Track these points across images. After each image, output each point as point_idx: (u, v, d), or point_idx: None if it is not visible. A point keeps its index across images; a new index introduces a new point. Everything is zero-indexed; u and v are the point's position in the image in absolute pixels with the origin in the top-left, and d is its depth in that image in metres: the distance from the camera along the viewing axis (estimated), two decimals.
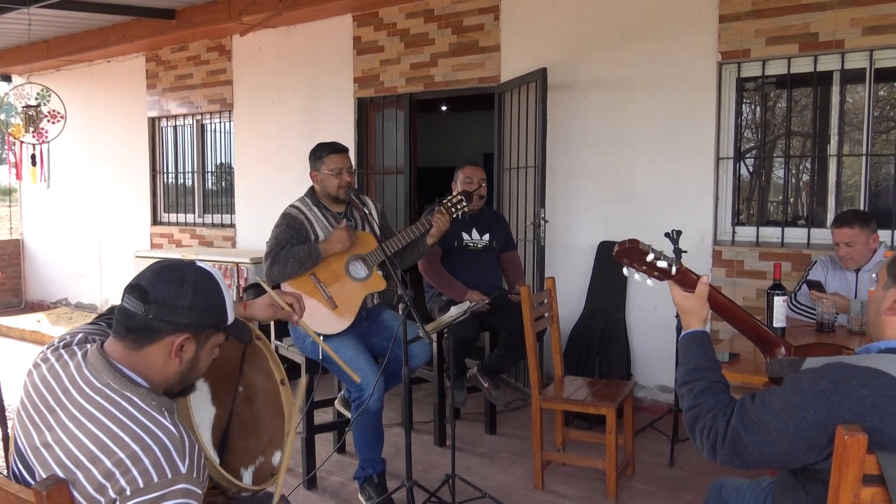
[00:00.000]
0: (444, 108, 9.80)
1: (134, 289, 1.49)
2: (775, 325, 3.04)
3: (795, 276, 4.10)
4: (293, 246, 3.35)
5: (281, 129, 6.68)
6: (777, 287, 3.07)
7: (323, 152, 3.47)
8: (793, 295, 3.55)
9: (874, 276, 3.10)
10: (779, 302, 3.05)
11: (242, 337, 1.69)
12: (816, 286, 3.36)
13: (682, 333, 1.87)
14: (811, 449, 1.52)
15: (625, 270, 1.88)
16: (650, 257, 1.82)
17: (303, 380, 1.90)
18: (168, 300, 1.48)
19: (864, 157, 4.29)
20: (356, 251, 3.44)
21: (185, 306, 1.49)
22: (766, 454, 1.55)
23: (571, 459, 3.79)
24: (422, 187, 6.44)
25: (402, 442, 3.20)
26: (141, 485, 1.34)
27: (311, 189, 3.55)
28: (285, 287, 3.33)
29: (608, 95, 4.92)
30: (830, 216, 4.41)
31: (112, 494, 1.34)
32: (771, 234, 4.58)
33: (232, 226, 7.20)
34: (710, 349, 1.81)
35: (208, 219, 7.53)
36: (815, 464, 1.54)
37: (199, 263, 1.59)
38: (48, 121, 6.76)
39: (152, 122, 7.80)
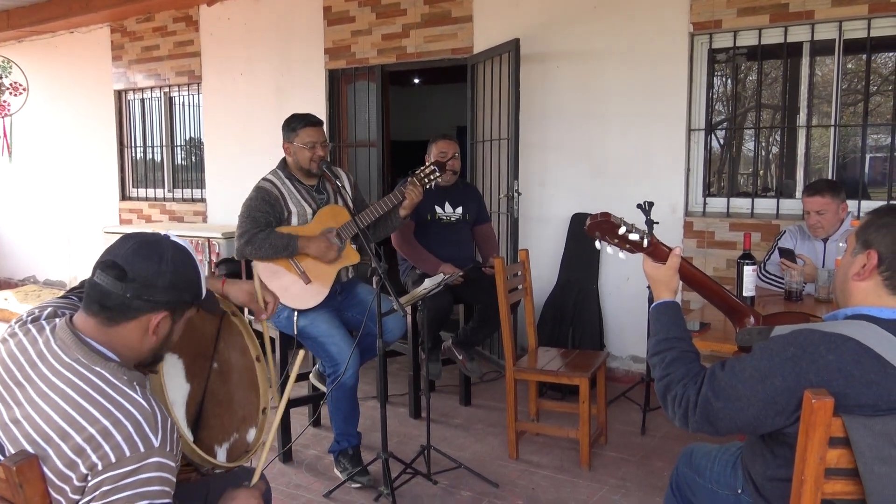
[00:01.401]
0: (416, 80, 9.72)
1: (110, 267, 1.45)
2: (745, 294, 3.08)
3: (765, 247, 4.15)
4: (272, 231, 3.31)
5: (251, 102, 6.58)
6: (747, 257, 3.11)
7: (297, 124, 3.41)
8: (762, 265, 3.60)
9: (842, 245, 3.16)
10: (748, 272, 3.09)
11: (214, 308, 1.69)
12: (788, 254, 3.41)
13: (653, 304, 1.89)
14: (780, 414, 1.55)
15: (597, 244, 1.89)
16: (622, 230, 1.84)
17: (300, 355, 1.87)
18: (147, 279, 1.45)
19: (832, 129, 4.34)
20: (329, 224, 3.41)
21: (164, 285, 1.47)
22: (737, 420, 1.58)
23: (545, 429, 3.83)
24: (394, 161, 6.40)
25: (378, 415, 3.21)
26: (113, 460, 1.33)
27: (284, 161, 3.50)
28: (259, 264, 3.30)
29: (581, 67, 4.91)
30: (799, 187, 4.46)
31: (83, 470, 1.33)
32: (741, 205, 4.63)
33: (202, 200, 7.11)
34: (680, 319, 1.83)
35: (178, 193, 7.42)
36: (783, 428, 1.57)
37: (172, 237, 1.57)
38: (10, 93, 6.61)
39: (119, 95, 7.63)
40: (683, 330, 1.81)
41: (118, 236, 1.54)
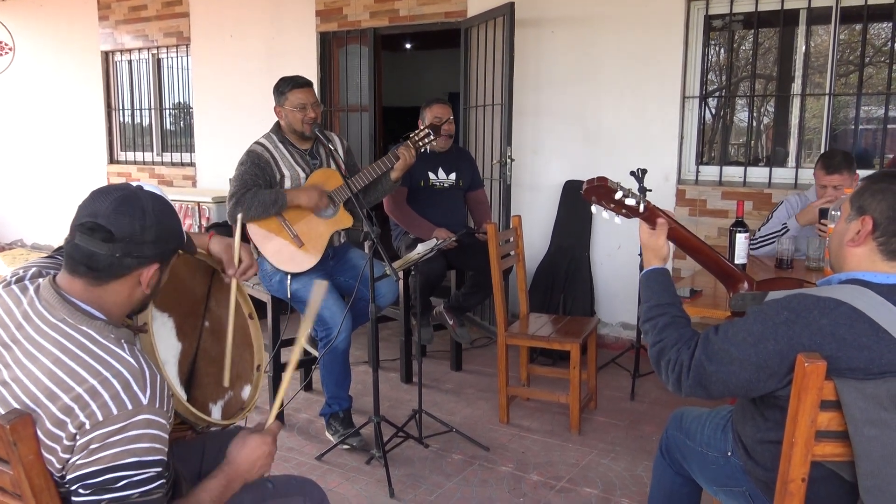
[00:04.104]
0: (408, 45, 9.60)
1: (94, 230, 1.42)
2: (737, 261, 3.09)
3: (757, 215, 4.17)
4: (260, 189, 3.29)
5: (241, 65, 6.48)
6: (739, 224, 3.12)
7: (286, 87, 3.38)
8: (756, 231, 3.60)
9: (835, 213, 3.16)
10: (740, 239, 3.10)
11: (192, 250, 1.75)
12: (825, 214, 3.38)
13: (644, 271, 1.90)
14: (772, 377, 1.56)
15: (593, 208, 1.89)
16: (618, 195, 1.84)
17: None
18: (134, 236, 1.43)
19: (826, 97, 4.33)
20: (323, 188, 3.39)
21: (151, 239, 1.45)
22: (730, 384, 1.59)
23: (536, 394, 3.86)
24: (386, 127, 6.34)
25: (369, 380, 3.23)
26: (101, 418, 1.32)
27: (277, 125, 3.47)
28: (252, 228, 3.28)
29: (576, 32, 4.85)
30: (791, 156, 4.46)
31: (72, 429, 1.33)
32: (734, 173, 4.63)
33: (192, 164, 7.04)
34: (670, 285, 1.85)
35: (167, 157, 7.34)
36: (775, 391, 1.59)
37: (145, 187, 1.54)
38: None
39: (106, 57, 7.50)
40: (674, 296, 1.83)
41: None
